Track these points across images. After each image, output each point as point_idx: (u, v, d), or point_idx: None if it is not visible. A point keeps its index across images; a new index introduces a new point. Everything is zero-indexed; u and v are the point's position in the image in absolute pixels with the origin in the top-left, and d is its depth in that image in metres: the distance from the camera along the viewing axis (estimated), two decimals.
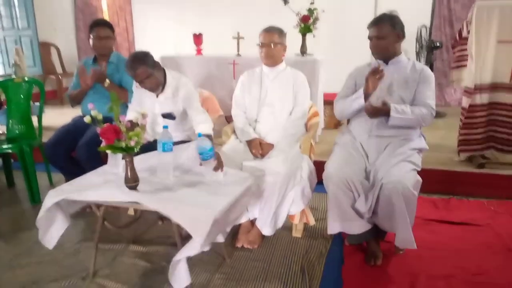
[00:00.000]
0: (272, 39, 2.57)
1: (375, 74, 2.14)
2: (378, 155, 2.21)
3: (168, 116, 2.59)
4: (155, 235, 2.54)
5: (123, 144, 1.84)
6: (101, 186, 1.97)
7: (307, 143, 2.47)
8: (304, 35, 3.92)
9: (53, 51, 6.60)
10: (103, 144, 1.87)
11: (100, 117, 1.88)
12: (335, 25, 4.90)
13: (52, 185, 3.40)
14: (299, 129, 2.58)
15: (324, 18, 3.93)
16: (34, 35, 5.96)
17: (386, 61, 2.31)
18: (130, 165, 1.91)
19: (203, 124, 2.43)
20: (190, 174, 2.11)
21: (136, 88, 2.66)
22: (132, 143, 1.85)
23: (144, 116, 1.98)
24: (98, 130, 1.86)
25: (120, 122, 1.84)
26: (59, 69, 6.63)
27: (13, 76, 5.05)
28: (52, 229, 2.03)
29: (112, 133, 1.77)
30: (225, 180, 2.04)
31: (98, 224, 2.08)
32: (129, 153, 1.88)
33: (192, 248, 1.65)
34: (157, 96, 2.56)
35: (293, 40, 3.75)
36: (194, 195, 1.87)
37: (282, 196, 2.27)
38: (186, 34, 4.66)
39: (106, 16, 6.77)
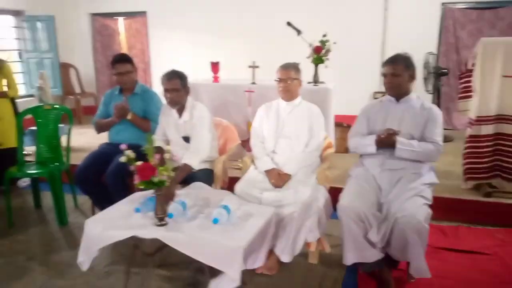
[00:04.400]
0: (289, 75, 2.75)
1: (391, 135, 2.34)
2: (390, 188, 2.36)
3: (187, 139, 2.83)
4: (179, 258, 2.66)
5: (156, 180, 2.02)
6: (132, 220, 2.13)
7: (323, 174, 2.63)
8: (316, 65, 4.11)
9: (72, 72, 6.86)
10: (137, 179, 2.04)
11: (133, 156, 2.05)
12: (345, 54, 5.09)
13: (77, 207, 3.58)
14: (314, 160, 2.75)
15: (335, 47, 4.12)
16: (55, 57, 6.23)
17: (397, 99, 2.48)
18: (161, 200, 2.07)
19: (193, 156, 2.68)
20: (211, 208, 2.26)
21: (161, 115, 2.92)
22: (164, 178, 2.03)
23: (167, 143, 2.24)
24: (133, 168, 2.02)
25: (154, 160, 2.01)
26: (77, 89, 6.89)
27: (35, 97, 5.29)
28: (86, 253, 2.19)
29: (149, 171, 1.95)
30: (248, 213, 2.19)
31: (130, 252, 2.24)
32: (160, 187, 2.05)
33: (229, 284, 1.81)
34: (179, 117, 2.81)
35: (305, 69, 3.95)
36: (221, 230, 2.01)
37: (300, 225, 2.43)
38: (201, 59, 4.89)
39: (123, 38, 7.05)
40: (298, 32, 4.19)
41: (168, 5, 6.55)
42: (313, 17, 5.60)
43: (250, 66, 4.23)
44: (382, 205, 2.33)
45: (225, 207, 2.13)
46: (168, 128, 2.91)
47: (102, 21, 7.19)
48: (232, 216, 2.13)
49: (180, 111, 2.85)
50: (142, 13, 6.83)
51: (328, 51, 4.04)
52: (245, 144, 3.67)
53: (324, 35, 4.02)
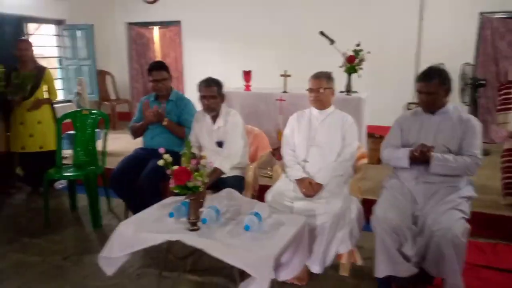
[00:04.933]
0: (321, 84, 2.73)
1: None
2: (426, 201, 2.30)
3: (220, 144, 2.88)
4: (209, 264, 2.70)
5: (191, 185, 2.04)
6: (165, 225, 2.16)
7: (356, 185, 2.60)
8: (349, 74, 4.08)
9: (108, 79, 7.09)
10: (172, 183, 2.08)
11: (170, 159, 2.09)
12: (379, 64, 5.03)
13: (111, 210, 3.68)
14: (347, 171, 2.71)
15: (368, 56, 4.07)
16: (93, 65, 6.45)
17: (433, 112, 2.42)
18: (194, 205, 2.10)
19: (225, 160, 2.74)
20: (243, 215, 2.26)
21: (195, 122, 2.99)
22: (198, 183, 2.05)
23: (200, 149, 2.38)
24: (169, 171, 2.06)
25: (190, 165, 2.04)
26: (112, 96, 7.10)
27: (73, 102, 5.50)
28: (114, 257, 2.23)
29: (185, 175, 1.98)
30: (279, 222, 2.18)
31: (162, 255, 2.28)
32: (194, 192, 2.08)
33: None
34: (213, 124, 2.88)
35: (338, 78, 3.93)
36: (252, 237, 2.02)
37: (332, 236, 2.40)
38: (233, 67, 4.94)
39: (157, 47, 7.24)
40: (331, 41, 4.18)
41: (201, 15, 6.68)
42: (346, 26, 5.57)
43: (281, 75, 4.25)
44: (417, 218, 2.26)
45: (257, 215, 2.13)
46: (201, 134, 2.96)
47: (137, 30, 7.42)
48: (264, 224, 2.13)
49: (214, 117, 2.91)
50: (177, 23, 6.99)
51: (361, 60, 4.00)
52: (275, 152, 3.67)
53: (358, 45, 4.00)
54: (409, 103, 5.67)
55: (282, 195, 2.59)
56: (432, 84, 2.31)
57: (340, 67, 4.03)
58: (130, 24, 7.38)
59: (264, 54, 6.27)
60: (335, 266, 2.58)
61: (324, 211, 2.41)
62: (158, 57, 7.20)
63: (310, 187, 2.60)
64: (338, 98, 3.79)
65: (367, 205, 2.42)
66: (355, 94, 4.07)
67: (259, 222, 2.11)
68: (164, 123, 3.15)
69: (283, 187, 2.69)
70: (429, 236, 2.09)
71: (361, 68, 4.04)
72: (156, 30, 7.33)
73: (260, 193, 2.88)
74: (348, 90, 4.10)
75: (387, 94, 5.58)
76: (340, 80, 4.06)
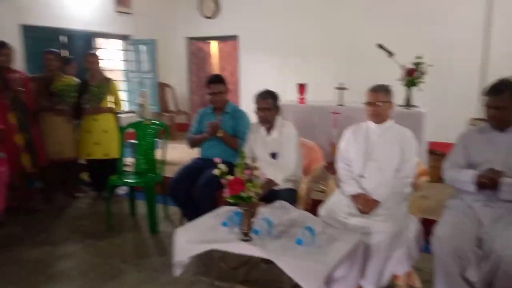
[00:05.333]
0: (379, 98, 2.64)
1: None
2: (493, 223, 2.14)
3: (274, 155, 2.90)
4: (260, 276, 2.70)
5: (244, 195, 2.07)
6: (218, 233, 2.20)
7: (415, 203, 2.48)
8: (409, 88, 3.95)
9: (168, 91, 7.41)
10: (227, 193, 2.12)
11: (225, 169, 2.13)
12: (441, 77, 4.82)
13: (167, 217, 3.81)
14: (406, 188, 2.60)
15: (429, 69, 3.91)
16: (155, 78, 6.78)
17: (502, 129, 2.25)
18: (247, 214, 2.12)
19: (278, 172, 2.76)
20: (296, 228, 2.25)
21: (250, 133, 3.04)
22: (252, 194, 2.07)
23: (254, 160, 2.43)
24: (224, 181, 2.11)
25: (244, 175, 2.07)
26: (172, 107, 7.41)
27: (135, 113, 5.79)
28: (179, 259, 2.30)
29: (239, 185, 2.01)
30: (333, 237, 2.14)
31: (214, 264, 2.31)
32: (247, 203, 2.10)
33: None
34: (267, 135, 2.91)
35: (397, 91, 3.81)
36: (305, 251, 2.00)
37: (388, 256, 2.30)
38: (287, 80, 4.97)
39: (215, 61, 7.47)
40: (390, 54, 4.07)
41: (258, 29, 6.81)
42: (405, 38, 5.41)
43: (337, 88, 4.20)
44: (483, 241, 2.11)
45: (309, 229, 2.11)
46: (256, 145, 3.00)
47: (197, 45, 7.71)
48: (316, 239, 2.10)
49: (269, 129, 2.94)
50: (234, 37, 7.18)
51: (422, 73, 3.86)
52: (329, 166, 3.61)
53: (419, 57, 3.86)
54: (474, 119, 5.34)
55: (336, 211, 2.53)
56: (503, 98, 2.15)
57: (399, 80, 3.91)
58: (190, 38, 7.68)
59: (320, 67, 6.25)
60: (391, 287, 2.47)
61: (381, 229, 2.32)
62: (216, 71, 7.42)
63: (366, 204, 2.51)
64: (397, 112, 3.67)
65: (427, 225, 2.30)
66: (415, 109, 3.92)
67: (312, 237, 2.08)
68: (220, 134, 3.23)
69: (337, 202, 2.63)
70: (497, 261, 1.94)
71: (421, 82, 3.90)
72: (214, 44, 7.57)
73: (312, 208, 2.84)
74: (408, 104, 3.96)
75: (450, 108, 5.31)
76: (399, 93, 3.95)
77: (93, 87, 4.15)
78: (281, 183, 2.79)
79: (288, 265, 1.90)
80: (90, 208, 4.16)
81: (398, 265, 2.33)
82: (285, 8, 6.50)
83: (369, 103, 2.68)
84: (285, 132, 2.91)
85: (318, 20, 6.30)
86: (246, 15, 6.87)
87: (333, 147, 3.97)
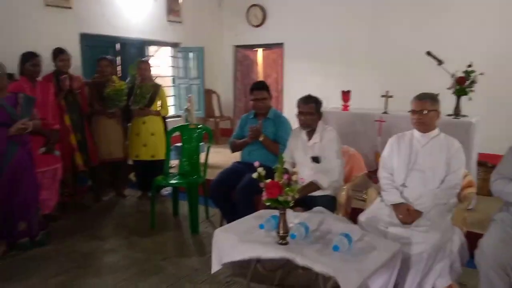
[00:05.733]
0: (424, 106, 2.57)
1: None
2: None
3: (315, 159, 2.90)
4: (296, 281, 2.70)
5: (281, 199, 2.09)
6: (255, 236, 2.23)
7: (460, 214, 2.39)
8: (458, 97, 3.80)
9: (214, 97, 7.60)
10: (265, 196, 2.15)
11: (264, 173, 2.16)
12: (492, 86, 4.58)
13: (208, 218, 3.90)
14: (451, 199, 2.50)
15: (480, 78, 3.75)
16: (201, 84, 6.98)
17: None
18: (284, 218, 2.13)
19: (323, 176, 2.77)
20: (333, 234, 2.23)
21: (291, 138, 3.08)
22: (289, 198, 2.09)
23: (293, 165, 2.63)
24: (262, 184, 2.14)
25: (282, 179, 2.09)
26: (217, 113, 7.58)
27: (182, 117, 6.01)
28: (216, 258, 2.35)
29: (276, 189, 2.04)
30: (371, 246, 2.10)
31: (251, 266, 2.34)
32: (285, 207, 2.12)
33: None
34: (308, 140, 2.92)
35: (446, 100, 3.68)
36: (341, 258, 1.98)
37: (429, 268, 2.22)
38: (331, 87, 4.93)
39: (260, 68, 7.57)
40: (439, 62, 3.94)
41: (304, 36, 6.82)
42: (455, 45, 5.21)
43: (382, 96, 4.13)
44: None
45: (347, 236, 2.09)
46: (296, 150, 3.01)
47: (243, 52, 7.85)
48: (354, 246, 2.07)
49: (310, 134, 2.95)
50: (280, 45, 7.24)
51: (473, 82, 3.70)
52: (371, 175, 3.55)
53: (469, 65, 3.71)
54: None
55: (376, 219, 2.49)
56: None
57: (448, 88, 3.78)
58: (237, 46, 7.84)
59: (365, 74, 6.15)
60: None
61: (422, 240, 2.25)
62: (261, 78, 7.51)
63: (407, 214, 2.45)
64: (445, 121, 3.56)
65: (473, 239, 2.20)
66: (465, 118, 3.76)
67: (349, 244, 2.06)
68: (261, 139, 3.27)
69: (377, 211, 2.59)
70: None
71: (472, 90, 3.73)
72: (260, 52, 7.68)
73: (351, 216, 2.80)
74: (457, 113, 3.81)
75: (502, 119, 5.04)
76: (448, 102, 3.81)
77: (138, 89, 4.32)
78: (326, 187, 2.79)
79: (324, 267, 1.89)
80: (136, 207, 4.35)
81: (440, 279, 2.24)
82: (331, 16, 6.47)
83: (414, 111, 2.62)
84: (327, 137, 2.90)
85: (365, 27, 6.22)
86: (292, 23, 6.91)
87: (376, 155, 3.90)
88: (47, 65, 3.87)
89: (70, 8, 5.08)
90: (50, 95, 3.72)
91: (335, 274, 1.83)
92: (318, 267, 1.89)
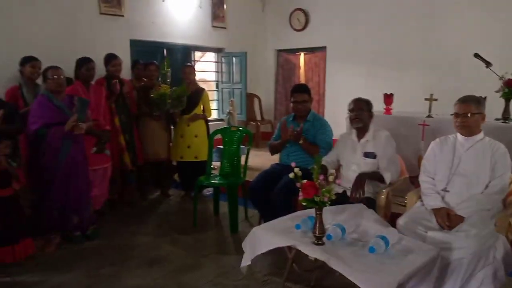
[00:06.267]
0: (468, 109, 2.50)
1: None
2: None
3: (369, 155, 2.98)
4: (332, 283, 2.70)
5: (318, 199, 2.12)
6: (292, 235, 2.26)
7: (505, 221, 2.30)
8: (507, 100, 3.64)
9: (255, 101, 7.70)
10: (301, 196, 2.19)
11: (300, 173, 2.20)
12: None
13: (247, 218, 3.99)
14: (495, 205, 2.42)
15: None
16: (244, 88, 7.10)
17: None
18: (320, 219, 2.16)
19: (385, 171, 2.89)
20: (370, 236, 2.22)
21: (339, 141, 3.20)
22: (325, 199, 2.11)
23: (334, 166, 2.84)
24: (298, 184, 2.18)
25: (318, 180, 2.13)
26: (258, 117, 7.68)
27: (224, 121, 6.15)
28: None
29: (313, 189, 2.07)
30: (408, 249, 2.08)
31: (288, 265, 2.39)
32: (320, 207, 2.14)
33: None
34: (359, 140, 3.02)
35: (494, 104, 3.54)
36: (377, 260, 1.98)
37: (470, 275, 2.16)
38: (373, 90, 4.85)
39: (302, 72, 7.59)
40: (487, 64, 3.80)
41: (346, 40, 6.77)
42: (505, 47, 4.98)
43: (426, 99, 4.03)
44: None
45: (383, 238, 2.08)
46: (344, 151, 3.09)
47: (285, 56, 7.91)
48: (391, 249, 2.06)
49: (361, 133, 3.04)
50: (322, 48, 7.23)
51: None
52: (414, 180, 3.47)
53: None
54: None
55: (415, 223, 2.45)
56: None
57: (497, 92, 3.63)
58: (279, 51, 7.91)
59: (408, 77, 6.01)
60: None
61: (463, 245, 2.19)
62: (302, 81, 7.52)
63: (448, 219, 2.40)
64: (493, 126, 3.43)
65: None
66: None
67: (386, 246, 2.05)
68: (300, 141, 3.31)
69: (417, 214, 2.55)
70: None
71: None
72: (302, 56, 7.71)
73: (391, 220, 2.76)
74: (506, 117, 3.65)
75: None
76: (496, 106, 3.67)
77: (177, 91, 4.44)
78: (387, 182, 2.90)
79: (356, 272, 1.89)
80: (179, 206, 4.51)
81: (482, 286, 2.17)
82: (375, 19, 6.38)
83: (457, 114, 2.56)
84: (381, 135, 3.00)
85: (409, 30, 6.06)
86: (335, 27, 6.88)
87: (419, 160, 3.80)
88: (99, 70, 4.12)
89: (122, 16, 5.40)
90: (102, 98, 3.97)
91: (363, 285, 1.82)
92: (347, 272, 1.89)
